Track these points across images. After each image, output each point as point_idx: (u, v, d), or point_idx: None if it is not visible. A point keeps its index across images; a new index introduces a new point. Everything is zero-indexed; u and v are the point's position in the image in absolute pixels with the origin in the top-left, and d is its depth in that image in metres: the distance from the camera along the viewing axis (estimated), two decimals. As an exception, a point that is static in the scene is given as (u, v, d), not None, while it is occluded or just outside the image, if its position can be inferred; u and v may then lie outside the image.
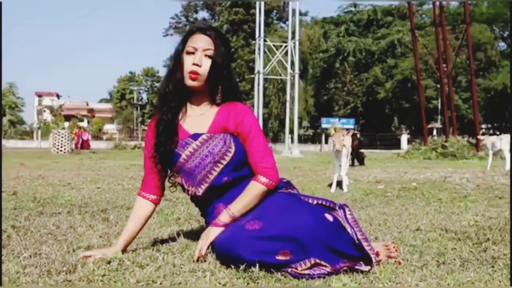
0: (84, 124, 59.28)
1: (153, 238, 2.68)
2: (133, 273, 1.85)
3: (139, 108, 69.69)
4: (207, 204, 2.33)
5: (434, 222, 3.33)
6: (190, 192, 2.28)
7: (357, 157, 12.90)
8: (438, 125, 43.82)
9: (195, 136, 2.28)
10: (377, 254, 2.11)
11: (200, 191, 2.25)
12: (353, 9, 57.69)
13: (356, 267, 1.97)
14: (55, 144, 23.34)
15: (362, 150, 13.29)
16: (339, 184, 6.11)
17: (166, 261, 2.06)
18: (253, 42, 32.36)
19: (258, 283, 1.81)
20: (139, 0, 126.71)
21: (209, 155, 2.23)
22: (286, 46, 29.33)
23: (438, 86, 32.77)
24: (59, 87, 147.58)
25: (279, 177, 2.32)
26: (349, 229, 2.07)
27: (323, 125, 43.70)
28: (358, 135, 13.94)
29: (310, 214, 2.00)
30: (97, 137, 52.40)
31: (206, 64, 2.25)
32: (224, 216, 2.17)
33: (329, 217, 2.05)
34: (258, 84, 28.48)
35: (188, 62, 2.25)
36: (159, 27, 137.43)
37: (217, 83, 2.30)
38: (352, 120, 45.90)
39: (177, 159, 2.26)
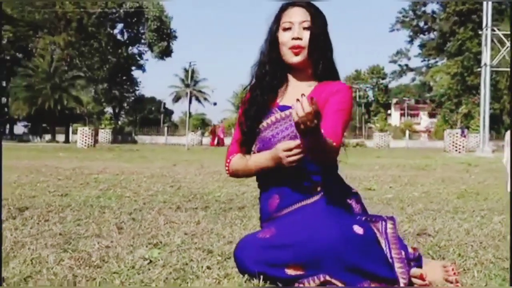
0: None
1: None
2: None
3: (363, 105, 69.92)
4: (266, 189, 2.18)
5: None
6: None
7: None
8: None
9: (282, 108, 2.17)
10: (421, 277, 1.79)
11: None
12: None
13: (386, 290, 1.69)
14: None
15: None
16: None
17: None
18: (481, 32, 29.83)
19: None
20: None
21: (289, 128, 2.09)
22: (518, 35, 26.36)
23: None
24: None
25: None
26: (383, 244, 1.79)
27: None
28: None
29: (334, 225, 1.76)
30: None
31: (306, 36, 2.13)
32: None
33: (358, 229, 1.77)
34: (485, 77, 26.26)
35: (287, 38, 2.16)
36: (385, 22, 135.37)
37: (318, 56, 2.16)
38: None
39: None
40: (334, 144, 1.88)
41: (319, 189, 2.05)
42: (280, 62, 2.19)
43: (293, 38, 2.11)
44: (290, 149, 1.89)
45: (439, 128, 48.10)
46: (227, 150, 2.24)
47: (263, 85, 2.21)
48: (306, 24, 2.13)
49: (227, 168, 2.22)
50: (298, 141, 1.87)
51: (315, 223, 1.80)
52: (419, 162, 13.01)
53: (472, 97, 44.47)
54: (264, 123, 2.15)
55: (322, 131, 1.74)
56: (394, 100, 73.73)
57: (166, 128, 47.10)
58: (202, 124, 55.15)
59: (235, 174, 2.22)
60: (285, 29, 2.15)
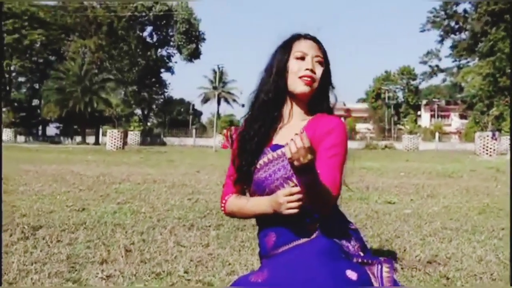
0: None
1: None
2: None
3: (392, 107, 69.15)
4: (263, 227, 2.17)
5: None
6: None
7: None
8: None
9: (274, 147, 2.11)
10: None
11: None
12: None
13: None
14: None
15: None
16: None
17: None
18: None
19: None
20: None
21: (282, 169, 2.04)
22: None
23: None
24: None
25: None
26: (377, 290, 1.74)
27: None
28: None
29: (326, 270, 1.73)
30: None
31: (319, 71, 2.12)
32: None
33: (351, 274, 1.73)
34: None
35: (299, 67, 2.12)
36: (415, 22, 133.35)
37: (325, 93, 2.17)
38: None
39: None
40: (333, 194, 1.86)
41: (316, 226, 2.01)
42: (284, 92, 2.16)
43: (307, 69, 2.09)
44: (292, 194, 1.86)
45: (470, 130, 47.23)
46: (222, 186, 2.21)
47: (264, 115, 2.17)
48: (319, 59, 2.11)
49: (223, 209, 2.20)
50: (299, 188, 1.83)
51: (308, 267, 1.76)
52: (447, 168, 12.81)
53: (504, 99, 43.51)
54: (257, 165, 2.11)
55: (318, 171, 1.72)
56: (424, 101, 72.72)
57: (194, 130, 47.48)
58: (230, 125, 55.23)
59: (232, 215, 2.21)
60: (297, 58, 2.13)
